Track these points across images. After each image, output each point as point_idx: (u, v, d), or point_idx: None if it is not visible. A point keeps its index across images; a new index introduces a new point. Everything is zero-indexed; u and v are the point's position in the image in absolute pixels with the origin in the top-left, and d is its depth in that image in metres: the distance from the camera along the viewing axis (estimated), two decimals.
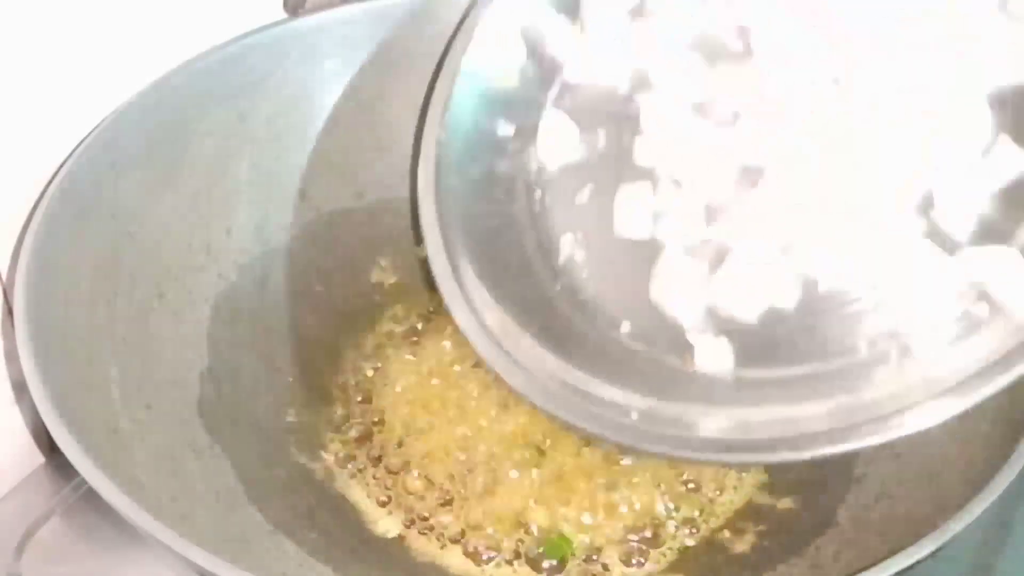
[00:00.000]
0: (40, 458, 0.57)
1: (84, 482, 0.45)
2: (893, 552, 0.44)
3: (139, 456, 0.50)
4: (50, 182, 0.54)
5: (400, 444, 0.59)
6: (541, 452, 0.58)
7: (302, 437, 0.59)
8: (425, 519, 0.56)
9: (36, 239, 0.52)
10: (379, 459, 0.58)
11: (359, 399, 0.61)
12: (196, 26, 0.61)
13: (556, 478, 0.57)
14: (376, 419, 0.60)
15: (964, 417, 0.52)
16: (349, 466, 0.58)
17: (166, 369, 0.55)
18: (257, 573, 0.43)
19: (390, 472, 0.58)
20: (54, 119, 0.55)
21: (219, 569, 0.43)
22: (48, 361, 0.49)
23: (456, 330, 0.55)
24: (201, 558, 0.43)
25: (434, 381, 0.62)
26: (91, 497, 0.46)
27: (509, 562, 0.54)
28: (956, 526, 0.44)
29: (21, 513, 0.54)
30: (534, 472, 0.57)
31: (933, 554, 0.44)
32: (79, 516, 0.54)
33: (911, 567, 0.43)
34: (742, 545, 0.55)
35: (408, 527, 0.56)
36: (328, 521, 0.55)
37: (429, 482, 0.57)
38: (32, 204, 0.54)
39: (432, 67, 0.67)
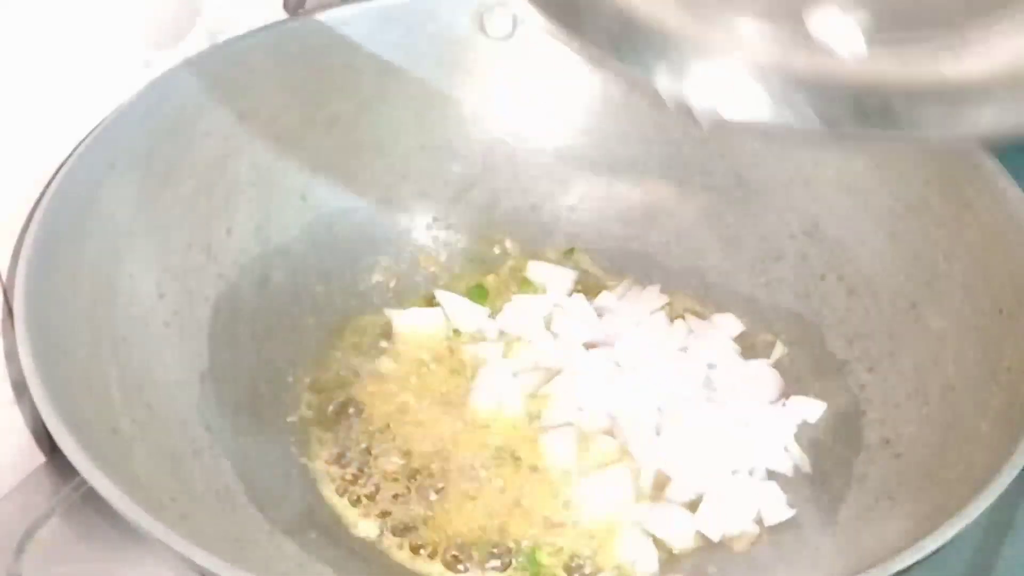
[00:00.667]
0: (40, 458, 0.57)
1: (84, 482, 0.45)
2: (893, 552, 0.44)
3: (139, 456, 0.50)
4: (50, 182, 0.54)
5: (386, 446, 0.59)
6: (517, 459, 0.58)
7: (302, 437, 0.59)
8: (403, 524, 0.55)
9: (36, 239, 0.52)
10: (364, 464, 0.58)
11: (357, 400, 0.61)
12: (196, 26, 0.61)
13: (538, 486, 0.57)
14: (372, 420, 0.60)
15: (964, 417, 0.53)
16: (333, 469, 0.58)
17: (166, 369, 0.55)
18: (257, 573, 0.43)
19: (370, 475, 0.57)
20: (54, 119, 0.55)
21: (219, 569, 0.43)
22: (48, 361, 0.49)
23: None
24: (201, 558, 0.43)
25: (430, 384, 0.62)
26: (91, 497, 0.45)
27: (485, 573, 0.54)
28: (956, 526, 0.44)
29: (21, 513, 0.54)
30: (516, 481, 0.57)
31: (933, 554, 0.44)
32: (79, 516, 0.54)
33: (911, 567, 0.43)
34: (742, 545, 0.55)
35: (383, 532, 0.55)
36: (327, 521, 0.55)
37: (409, 486, 0.57)
38: (32, 204, 0.54)
39: (432, 67, 0.67)
